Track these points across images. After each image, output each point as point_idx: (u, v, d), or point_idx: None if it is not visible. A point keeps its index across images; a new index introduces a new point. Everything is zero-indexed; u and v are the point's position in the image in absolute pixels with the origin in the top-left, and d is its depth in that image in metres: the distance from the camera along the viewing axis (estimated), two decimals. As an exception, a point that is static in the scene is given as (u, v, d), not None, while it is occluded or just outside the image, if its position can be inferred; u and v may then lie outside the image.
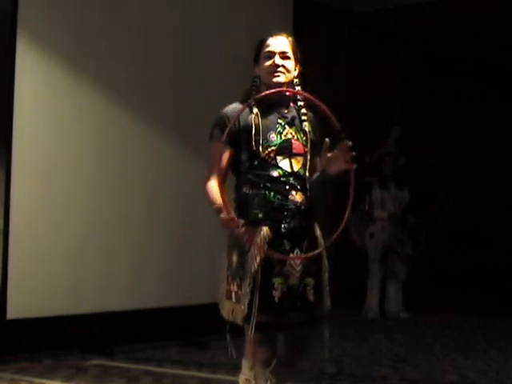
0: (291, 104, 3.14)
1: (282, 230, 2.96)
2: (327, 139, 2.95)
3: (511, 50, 10.00)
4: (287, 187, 3.00)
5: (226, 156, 3.04)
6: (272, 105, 3.07)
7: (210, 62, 6.57)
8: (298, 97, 3.12)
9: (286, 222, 2.97)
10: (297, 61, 3.13)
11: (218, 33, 6.64)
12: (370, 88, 9.44)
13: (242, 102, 3.06)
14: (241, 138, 3.01)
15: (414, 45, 10.24)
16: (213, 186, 3.00)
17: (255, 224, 2.94)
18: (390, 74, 10.06)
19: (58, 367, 5.13)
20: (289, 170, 3.02)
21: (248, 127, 3.01)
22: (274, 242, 2.94)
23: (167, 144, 6.28)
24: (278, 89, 3.03)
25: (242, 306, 2.91)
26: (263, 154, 3.00)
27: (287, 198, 2.99)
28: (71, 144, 5.70)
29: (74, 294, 5.63)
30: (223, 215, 2.86)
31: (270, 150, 3.01)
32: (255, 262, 2.91)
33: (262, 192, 2.97)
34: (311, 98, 2.98)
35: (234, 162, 3.05)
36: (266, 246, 2.91)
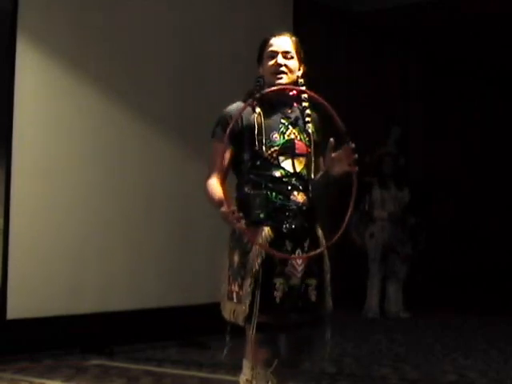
0: (295, 104, 3.12)
1: (284, 231, 2.95)
2: (332, 139, 2.94)
3: (511, 50, 10.00)
4: (289, 188, 2.99)
5: (227, 155, 3.02)
6: (275, 105, 3.06)
7: (210, 62, 6.57)
8: (303, 97, 3.10)
9: (288, 223, 2.96)
10: (300, 60, 3.11)
11: (217, 33, 6.64)
12: (370, 88, 9.44)
13: (244, 102, 3.04)
14: (243, 138, 3.00)
15: (414, 45, 10.24)
16: (213, 183, 2.99)
17: (257, 224, 2.93)
18: (390, 74, 10.06)
19: (58, 367, 5.13)
20: (291, 170, 3.01)
21: (251, 126, 3.00)
22: (276, 242, 2.93)
23: (167, 144, 6.28)
24: (282, 86, 3.01)
25: (243, 307, 2.90)
26: (266, 154, 2.99)
27: (289, 199, 2.98)
28: (71, 144, 5.70)
29: (74, 294, 5.63)
30: (223, 209, 2.83)
31: (272, 149, 3.00)
32: (256, 262, 2.90)
33: (264, 192, 2.96)
34: (316, 97, 2.96)
35: (235, 161, 3.04)
36: (268, 246, 2.91)
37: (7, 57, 5.36)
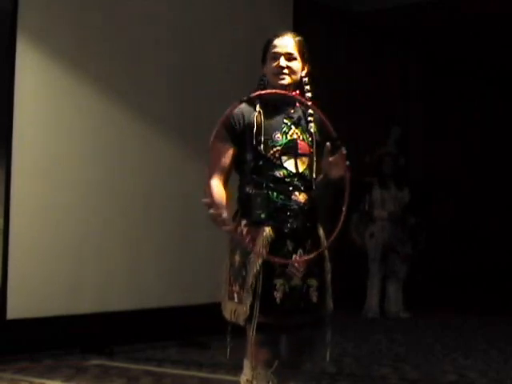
0: (297, 104, 3.12)
1: (285, 231, 2.95)
2: (328, 143, 2.94)
3: (511, 50, 10.00)
4: (291, 188, 2.98)
5: (229, 155, 3.02)
6: (278, 105, 3.05)
7: (210, 62, 6.57)
8: (306, 96, 3.08)
9: (289, 223, 2.96)
10: (304, 61, 3.11)
11: (217, 33, 6.64)
12: (370, 88, 9.44)
13: (246, 102, 3.04)
14: (245, 137, 3.00)
15: (414, 45, 10.24)
16: (213, 184, 2.97)
17: (258, 224, 2.93)
18: (390, 74, 10.06)
19: (58, 367, 5.13)
20: (293, 170, 3.00)
21: (251, 126, 3.00)
22: (277, 242, 2.93)
23: (167, 144, 6.28)
24: (276, 90, 3.00)
25: (244, 307, 2.91)
26: (268, 154, 2.98)
27: (290, 199, 2.98)
28: (71, 144, 5.69)
29: (73, 293, 5.63)
30: (212, 211, 2.81)
31: (275, 149, 2.99)
32: (257, 262, 2.90)
33: (265, 192, 2.96)
34: (307, 103, 2.99)
35: (238, 161, 3.04)
36: (268, 250, 2.90)
37: (7, 57, 5.36)
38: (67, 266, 5.60)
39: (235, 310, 2.96)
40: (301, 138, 3.05)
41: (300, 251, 2.97)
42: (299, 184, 3.00)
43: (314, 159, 3.05)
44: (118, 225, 5.93)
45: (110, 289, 5.86)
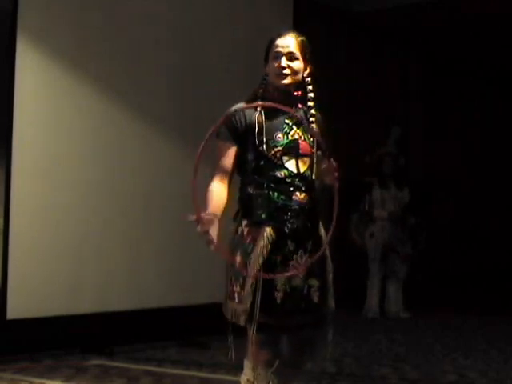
0: (299, 105, 3.12)
1: (286, 231, 2.95)
2: (319, 152, 2.96)
3: (511, 50, 10.00)
4: (292, 188, 2.98)
5: (232, 154, 3.02)
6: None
7: (210, 62, 6.56)
8: (308, 96, 3.09)
9: (290, 223, 2.96)
10: (306, 61, 3.10)
11: (217, 33, 6.64)
12: (370, 88, 9.44)
13: (247, 102, 3.04)
14: (247, 137, 3.00)
15: (414, 45, 10.23)
16: (212, 189, 2.96)
17: (259, 224, 2.93)
18: (390, 74, 10.06)
19: (58, 367, 5.13)
20: (295, 170, 3.00)
21: (252, 126, 3.00)
22: (278, 242, 2.93)
23: (167, 144, 6.28)
24: (271, 103, 2.98)
25: (245, 307, 2.91)
26: (269, 155, 2.98)
27: (291, 199, 2.97)
28: (71, 144, 5.69)
29: (73, 293, 5.63)
30: (198, 228, 2.80)
31: (276, 150, 2.99)
32: (258, 262, 2.90)
33: (266, 192, 2.96)
34: (294, 114, 3.02)
35: (240, 161, 3.03)
36: (269, 250, 2.90)
37: (7, 57, 5.36)
38: (67, 266, 5.60)
39: (235, 309, 2.96)
40: (302, 138, 3.05)
41: (301, 251, 2.97)
42: (300, 184, 3.00)
43: (315, 160, 3.05)
44: (118, 225, 5.93)
45: (110, 289, 5.86)
